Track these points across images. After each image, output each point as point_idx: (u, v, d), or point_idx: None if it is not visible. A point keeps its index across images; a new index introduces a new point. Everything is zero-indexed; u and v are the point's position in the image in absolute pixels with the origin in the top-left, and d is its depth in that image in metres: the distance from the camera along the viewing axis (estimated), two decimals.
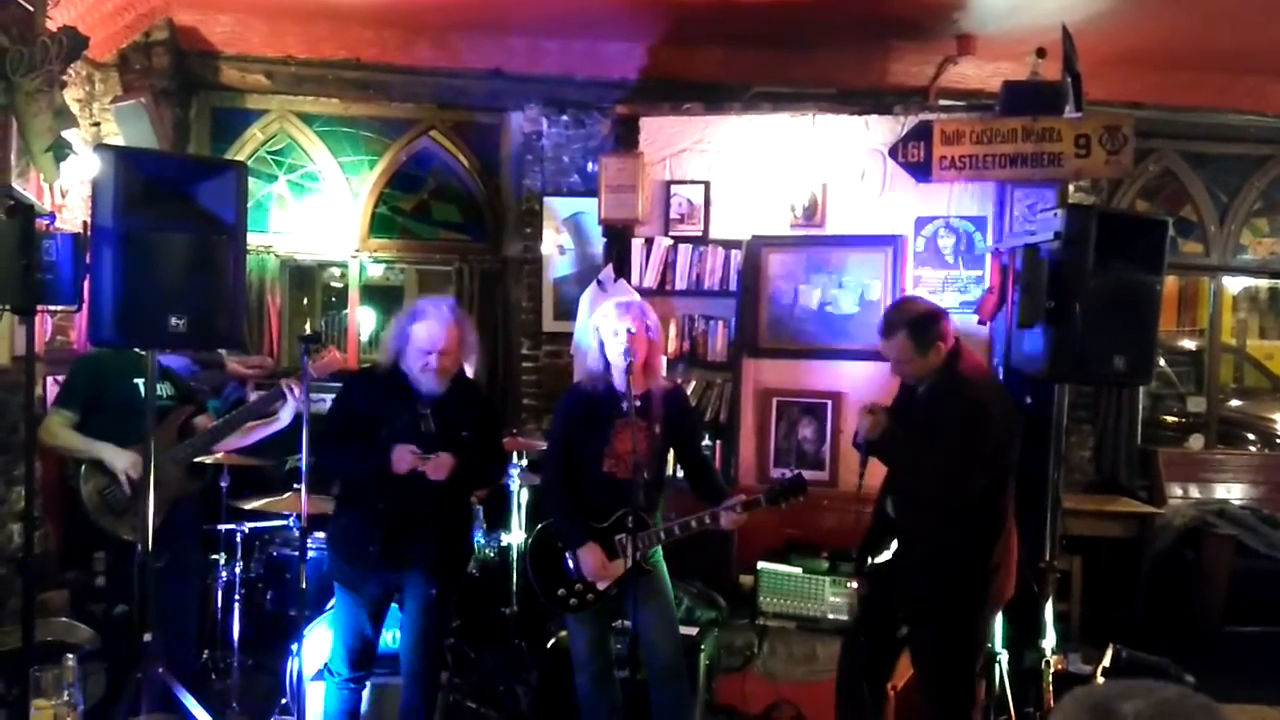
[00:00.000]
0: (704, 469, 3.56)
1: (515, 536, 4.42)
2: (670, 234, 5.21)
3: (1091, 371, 3.72)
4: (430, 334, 3.31)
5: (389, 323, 3.61)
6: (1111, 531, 5.44)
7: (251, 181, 3.41)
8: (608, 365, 3.37)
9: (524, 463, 4.51)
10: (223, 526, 4.15)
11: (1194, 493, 5.90)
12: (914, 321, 3.22)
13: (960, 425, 3.10)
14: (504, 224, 6.08)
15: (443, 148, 6.13)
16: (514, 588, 4.36)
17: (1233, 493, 5.97)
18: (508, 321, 5.95)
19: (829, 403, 5.04)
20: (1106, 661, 3.95)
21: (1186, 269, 6.42)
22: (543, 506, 3.66)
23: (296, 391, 3.70)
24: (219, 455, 3.86)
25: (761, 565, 4.45)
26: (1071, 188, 5.08)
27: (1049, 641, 3.67)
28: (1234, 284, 7.61)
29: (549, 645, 4.09)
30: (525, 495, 4.46)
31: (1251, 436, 7.59)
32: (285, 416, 3.78)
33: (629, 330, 3.28)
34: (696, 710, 3.64)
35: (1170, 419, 7.19)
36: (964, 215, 4.98)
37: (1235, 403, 8.40)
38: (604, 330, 3.35)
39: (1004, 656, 3.64)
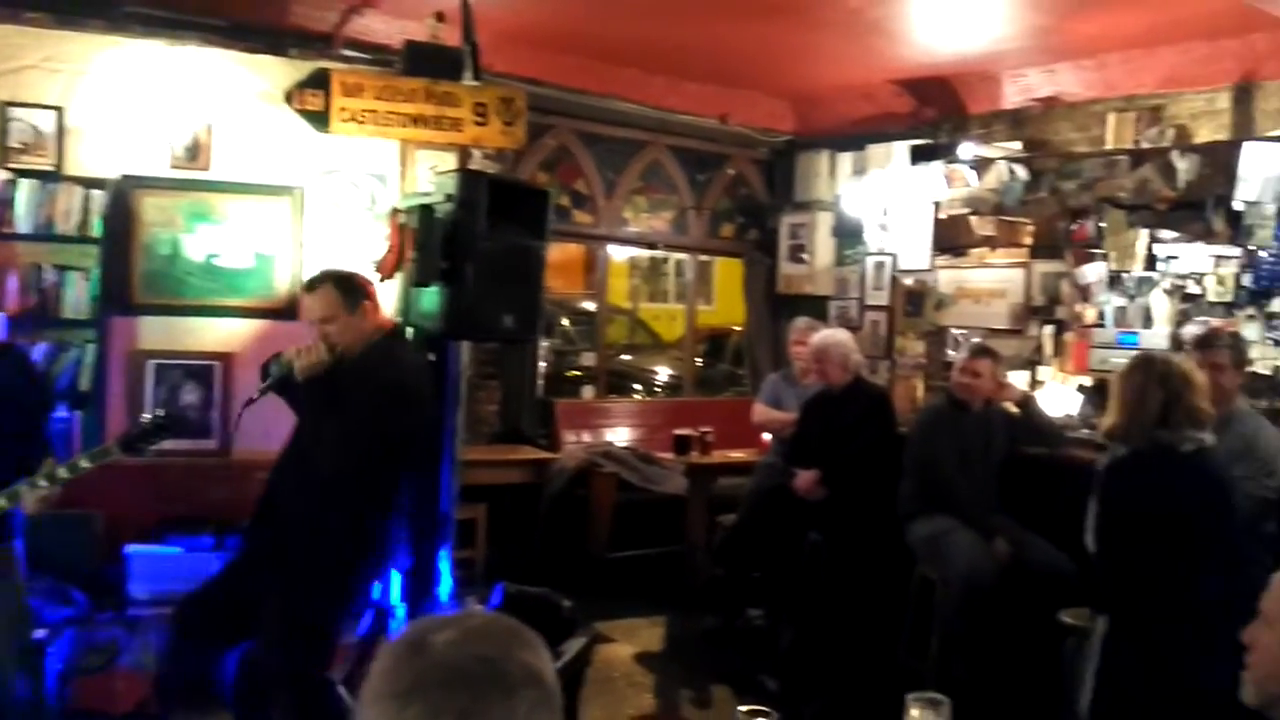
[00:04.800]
0: (33, 442, 3.01)
1: None
2: (9, 165, 4.34)
3: (483, 329, 3.96)
4: None
5: None
6: (513, 478, 5.87)
7: None
8: None
9: None
10: None
11: (586, 438, 6.62)
12: (340, 276, 3.28)
13: (376, 399, 3.08)
14: None
15: None
16: None
17: (619, 435, 6.83)
18: None
19: (218, 364, 4.63)
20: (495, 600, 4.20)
21: (580, 237, 7.13)
22: None
23: None
24: None
25: (131, 549, 4.02)
26: (479, 154, 5.28)
27: (445, 589, 3.83)
28: (621, 253, 8.72)
29: None
30: None
31: (638, 386, 8.90)
32: None
33: None
34: None
35: (571, 373, 8.07)
36: (368, 171, 4.92)
37: (625, 357, 9.77)
38: None
39: (402, 610, 3.70)
